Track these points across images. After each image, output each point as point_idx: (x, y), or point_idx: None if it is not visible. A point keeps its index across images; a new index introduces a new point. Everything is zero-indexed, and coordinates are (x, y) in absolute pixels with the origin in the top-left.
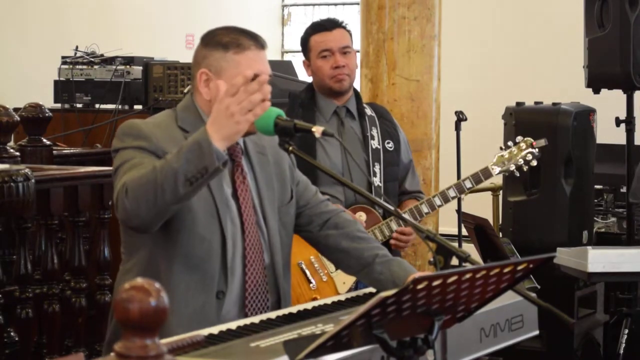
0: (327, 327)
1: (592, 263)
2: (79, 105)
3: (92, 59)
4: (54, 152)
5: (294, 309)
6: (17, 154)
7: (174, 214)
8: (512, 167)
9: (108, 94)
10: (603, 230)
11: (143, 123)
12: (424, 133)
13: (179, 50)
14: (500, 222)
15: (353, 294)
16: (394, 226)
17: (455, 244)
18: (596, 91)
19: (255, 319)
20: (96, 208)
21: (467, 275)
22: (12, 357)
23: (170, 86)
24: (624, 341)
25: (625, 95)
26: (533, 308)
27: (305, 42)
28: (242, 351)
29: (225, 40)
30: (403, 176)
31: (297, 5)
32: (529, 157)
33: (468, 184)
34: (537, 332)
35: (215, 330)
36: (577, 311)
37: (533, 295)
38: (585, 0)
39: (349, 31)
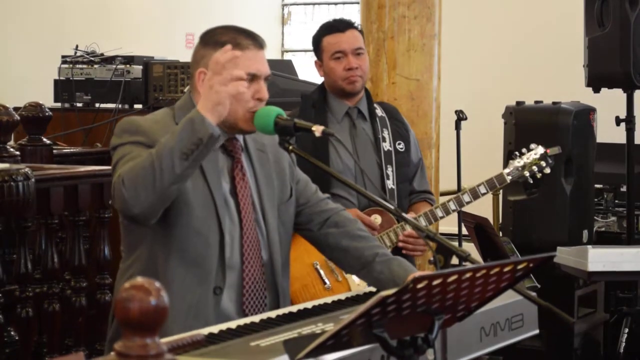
0: (327, 327)
1: (592, 262)
2: (79, 105)
3: (92, 58)
4: (54, 151)
5: (294, 308)
6: (17, 153)
7: (170, 206)
8: (527, 174)
9: (108, 93)
10: (603, 229)
11: (141, 119)
12: (424, 132)
13: (179, 49)
14: (501, 221)
15: (353, 293)
16: (408, 228)
17: (456, 243)
18: (596, 90)
19: (255, 318)
20: (96, 207)
21: (467, 275)
22: (12, 357)
23: (170, 85)
24: (624, 340)
25: (625, 94)
26: (533, 307)
27: (317, 42)
28: (242, 350)
29: (224, 39)
30: (412, 176)
31: (297, 4)
32: (543, 164)
33: (483, 190)
34: (537, 332)
35: (215, 329)
36: (577, 310)
37: (533, 294)
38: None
39: (361, 31)
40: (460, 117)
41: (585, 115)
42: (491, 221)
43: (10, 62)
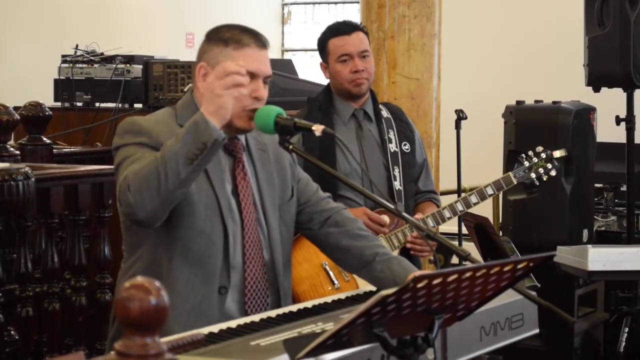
0: (328, 326)
1: (592, 262)
2: (79, 104)
3: (92, 58)
4: (54, 150)
5: (294, 308)
6: (17, 152)
7: (176, 205)
8: (533, 176)
9: (108, 93)
10: (603, 228)
11: (143, 120)
12: (424, 132)
13: (179, 49)
14: (501, 220)
15: (353, 292)
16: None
17: (456, 243)
18: (596, 90)
19: (256, 318)
20: (96, 207)
21: (468, 274)
22: (12, 356)
23: (170, 85)
24: (624, 340)
25: (625, 94)
26: (533, 307)
27: (323, 45)
28: (243, 350)
29: (227, 36)
30: (417, 176)
31: (297, 3)
32: (549, 166)
33: (490, 191)
34: (537, 331)
35: (215, 328)
36: (577, 310)
37: (533, 293)
38: None
39: (366, 34)
40: (460, 116)
41: (585, 114)
42: (491, 220)
43: (10, 61)
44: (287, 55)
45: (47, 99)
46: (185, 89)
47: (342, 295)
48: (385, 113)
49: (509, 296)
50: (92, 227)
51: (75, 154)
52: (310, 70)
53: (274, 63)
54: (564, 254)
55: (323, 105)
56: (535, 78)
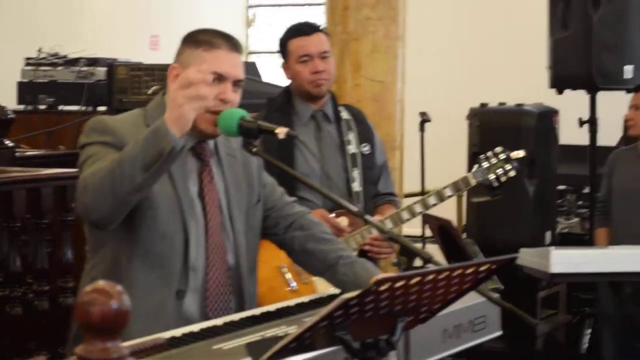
0: (291, 329)
1: (554, 264)
2: (43, 107)
3: (55, 60)
4: (16, 154)
5: (257, 311)
6: None
7: (135, 207)
8: (492, 177)
9: (72, 96)
10: (566, 230)
11: (110, 119)
12: (388, 134)
13: (143, 51)
14: (464, 222)
15: (316, 295)
16: (374, 231)
17: (419, 245)
18: (560, 92)
19: (218, 321)
20: (59, 210)
21: (430, 277)
22: None
23: (134, 87)
24: (586, 341)
25: (588, 96)
26: (496, 309)
27: (283, 45)
28: (205, 353)
29: (200, 38)
30: (377, 178)
31: (262, 6)
32: (508, 167)
33: (448, 192)
34: (500, 333)
35: (177, 332)
36: (540, 312)
37: (496, 296)
38: (549, 1)
39: (327, 34)
40: (424, 118)
41: (548, 117)
42: (455, 223)
43: None
44: (251, 58)
45: (10, 102)
46: (149, 92)
47: (305, 299)
48: (345, 115)
49: (472, 298)
50: (55, 230)
51: (38, 157)
52: (275, 72)
53: None
54: (526, 256)
55: (282, 106)
56: (498, 80)
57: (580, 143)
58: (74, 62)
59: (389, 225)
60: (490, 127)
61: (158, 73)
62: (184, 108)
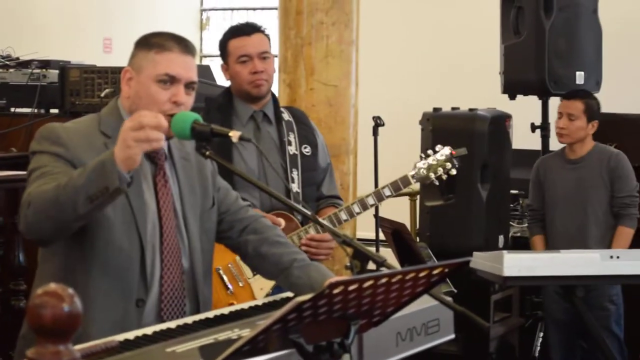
0: (244, 332)
1: (507, 267)
2: None
3: (7, 62)
4: None
5: (210, 314)
6: None
7: (92, 220)
8: (432, 176)
9: (24, 98)
10: (519, 234)
11: (63, 128)
12: (342, 138)
13: (97, 54)
14: (418, 226)
15: (270, 298)
16: (312, 232)
17: (373, 249)
18: (512, 97)
19: (172, 324)
20: (11, 213)
21: (383, 280)
22: None
23: (87, 90)
24: (539, 344)
25: (540, 102)
26: (449, 312)
27: (223, 46)
28: (158, 356)
29: (152, 41)
30: (320, 180)
31: (216, 9)
32: (449, 165)
33: (387, 192)
34: (453, 336)
35: (130, 335)
36: (493, 315)
37: (449, 299)
38: (501, 7)
39: (267, 36)
40: (378, 123)
41: (501, 121)
42: (408, 227)
43: None
44: (205, 61)
45: None
46: (102, 94)
47: (259, 302)
48: (286, 116)
49: (425, 302)
50: (7, 233)
51: None
52: None
53: None
54: (479, 260)
55: (222, 106)
56: (451, 85)
57: (533, 148)
58: (26, 64)
59: (343, 216)
60: (444, 131)
61: (111, 76)
62: (133, 150)
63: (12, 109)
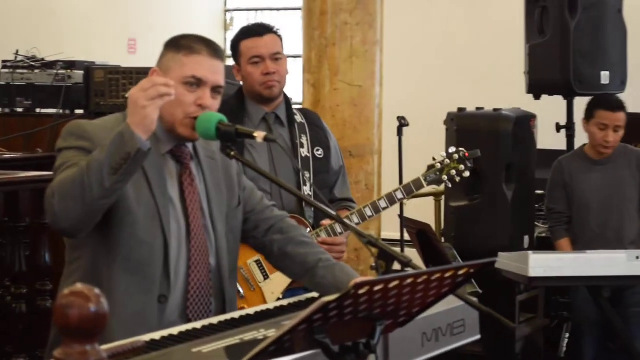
0: (270, 332)
1: (533, 268)
2: (20, 110)
3: (32, 63)
4: None
5: (236, 314)
6: None
7: (112, 214)
8: (445, 178)
9: (49, 99)
10: (544, 235)
11: (88, 124)
12: (367, 138)
13: (121, 55)
14: (443, 227)
15: (295, 299)
16: (323, 236)
17: (398, 249)
18: (537, 97)
19: (198, 324)
20: (37, 213)
21: (409, 280)
22: None
23: (111, 91)
24: (564, 345)
25: (565, 101)
26: (474, 313)
27: (235, 47)
28: (184, 357)
29: (181, 43)
30: (333, 183)
31: (240, 10)
32: (462, 168)
33: (399, 195)
34: (478, 337)
35: (156, 335)
36: (519, 315)
37: (474, 300)
38: (525, 7)
39: (279, 36)
40: (402, 123)
41: (525, 121)
42: (433, 227)
43: None
44: (229, 62)
45: None
46: (127, 95)
47: (285, 302)
48: (299, 118)
49: (451, 302)
50: (33, 233)
51: (16, 160)
52: None
53: None
54: (505, 260)
55: (235, 108)
56: (476, 85)
57: (558, 148)
58: (52, 65)
59: (338, 229)
60: (468, 131)
61: (136, 76)
62: (147, 109)
63: (38, 110)
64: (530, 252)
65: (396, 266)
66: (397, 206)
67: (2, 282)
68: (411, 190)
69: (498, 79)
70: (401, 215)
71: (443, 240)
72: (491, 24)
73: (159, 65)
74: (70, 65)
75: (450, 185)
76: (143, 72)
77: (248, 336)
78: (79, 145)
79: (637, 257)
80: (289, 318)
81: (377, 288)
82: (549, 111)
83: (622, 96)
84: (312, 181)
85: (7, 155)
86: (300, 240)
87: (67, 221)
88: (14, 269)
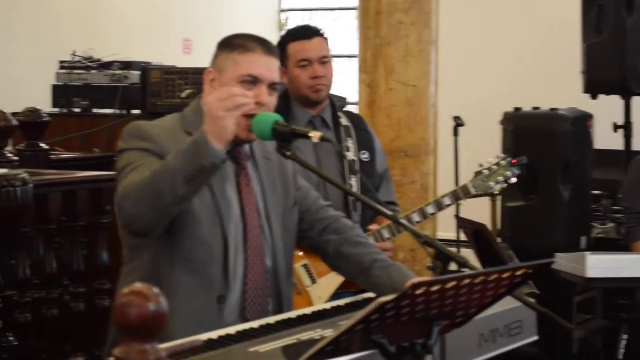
0: (327, 333)
1: (590, 268)
2: (77, 110)
3: (89, 64)
4: (51, 157)
5: (293, 314)
6: (16, 158)
7: (176, 217)
8: (492, 184)
9: (106, 99)
10: (601, 235)
11: (149, 125)
12: (422, 138)
13: (177, 55)
14: (499, 227)
15: (352, 299)
16: (371, 241)
17: (454, 250)
18: (594, 97)
19: (255, 324)
20: (94, 213)
21: (466, 281)
22: None
23: (168, 91)
24: (622, 347)
25: (622, 101)
26: (532, 314)
27: (282, 49)
28: (241, 356)
29: (235, 42)
30: (377, 186)
31: (295, 10)
32: (509, 174)
33: (447, 201)
34: (536, 338)
35: (214, 335)
36: (576, 317)
37: (532, 300)
38: (582, 6)
39: (326, 39)
40: (458, 123)
41: (582, 121)
42: (489, 227)
43: (8, 67)
44: None
45: (45, 105)
46: (183, 95)
47: (342, 302)
48: (344, 121)
49: (508, 303)
50: (91, 233)
51: (73, 160)
52: None
53: None
54: (562, 261)
55: (280, 111)
56: (533, 85)
57: (615, 148)
58: (108, 65)
59: (386, 235)
60: (525, 131)
61: (192, 77)
62: (224, 120)
63: (95, 110)
64: (587, 253)
65: (453, 267)
66: (453, 206)
67: (61, 281)
68: (459, 196)
69: (555, 79)
70: (457, 216)
71: (499, 240)
72: (548, 23)
73: (213, 66)
74: (127, 65)
75: (497, 193)
76: (199, 72)
77: (305, 336)
78: (142, 146)
79: None
80: (346, 318)
81: (434, 289)
82: (606, 111)
83: None
84: (359, 185)
85: (65, 155)
86: (355, 241)
87: (141, 224)
88: (72, 268)
